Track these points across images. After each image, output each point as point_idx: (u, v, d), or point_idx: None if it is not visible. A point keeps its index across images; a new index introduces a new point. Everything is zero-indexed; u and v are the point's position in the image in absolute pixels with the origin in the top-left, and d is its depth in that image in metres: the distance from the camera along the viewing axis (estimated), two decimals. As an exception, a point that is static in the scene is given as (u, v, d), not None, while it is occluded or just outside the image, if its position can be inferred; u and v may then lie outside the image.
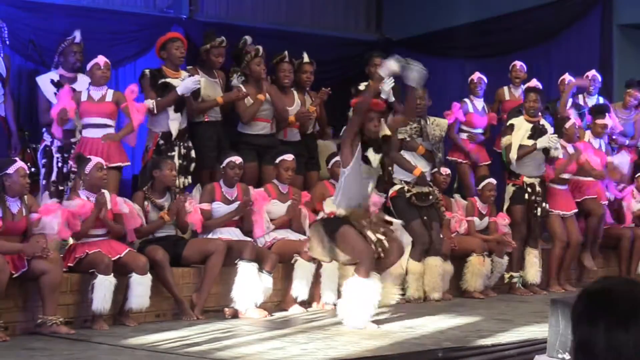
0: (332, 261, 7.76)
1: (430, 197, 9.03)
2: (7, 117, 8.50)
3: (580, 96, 11.22)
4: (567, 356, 5.14)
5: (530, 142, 9.68)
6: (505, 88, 11.24)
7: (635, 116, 11.35)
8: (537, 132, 9.71)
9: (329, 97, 9.66)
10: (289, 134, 9.42)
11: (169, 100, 8.56)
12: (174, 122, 8.62)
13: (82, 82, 8.58)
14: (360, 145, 7.27)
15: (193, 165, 8.76)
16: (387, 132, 7.47)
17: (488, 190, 9.73)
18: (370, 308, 7.23)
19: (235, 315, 7.76)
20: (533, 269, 9.82)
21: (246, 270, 7.76)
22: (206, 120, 9.02)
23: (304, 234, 8.55)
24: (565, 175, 10.12)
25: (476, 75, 10.91)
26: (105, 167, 7.55)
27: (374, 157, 7.30)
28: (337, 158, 8.21)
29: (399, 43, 13.60)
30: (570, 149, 10.11)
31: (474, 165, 10.76)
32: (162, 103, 8.56)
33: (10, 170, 6.85)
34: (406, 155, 9.01)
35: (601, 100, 11.25)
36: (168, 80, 8.63)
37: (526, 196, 9.76)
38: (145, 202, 7.81)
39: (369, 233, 7.28)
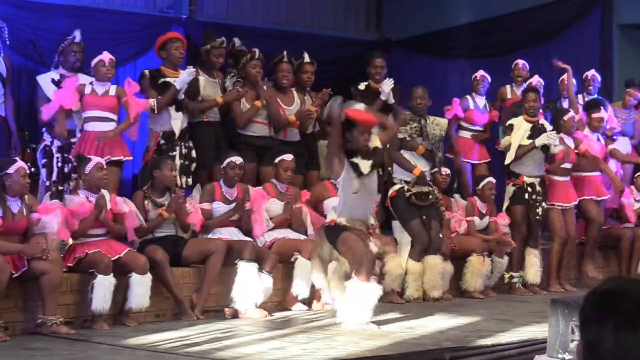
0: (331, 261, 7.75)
1: (430, 196, 9.03)
2: (7, 117, 8.50)
3: (580, 96, 11.22)
4: (567, 356, 5.14)
5: (529, 142, 9.67)
6: (508, 86, 11.24)
7: (635, 116, 11.35)
8: (536, 131, 9.70)
9: (329, 97, 9.65)
10: (289, 134, 9.41)
11: (169, 96, 8.56)
12: (177, 122, 8.61)
13: (83, 81, 8.57)
14: (347, 156, 7.24)
15: (194, 165, 8.76)
16: (378, 144, 7.43)
17: (488, 189, 9.73)
18: (370, 310, 7.23)
19: (235, 315, 7.76)
20: (533, 269, 9.81)
21: (246, 270, 7.75)
22: (205, 120, 9.01)
23: (304, 233, 8.55)
24: (567, 165, 10.07)
25: (479, 73, 10.92)
26: (105, 167, 7.55)
27: (364, 163, 7.28)
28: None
29: (399, 43, 13.62)
30: (569, 141, 10.08)
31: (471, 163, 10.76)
32: (163, 101, 8.56)
33: (11, 170, 6.85)
34: (406, 154, 9.01)
35: (600, 100, 11.26)
36: (168, 79, 8.63)
37: (526, 196, 9.75)
38: (146, 201, 7.80)
39: (371, 244, 7.28)
